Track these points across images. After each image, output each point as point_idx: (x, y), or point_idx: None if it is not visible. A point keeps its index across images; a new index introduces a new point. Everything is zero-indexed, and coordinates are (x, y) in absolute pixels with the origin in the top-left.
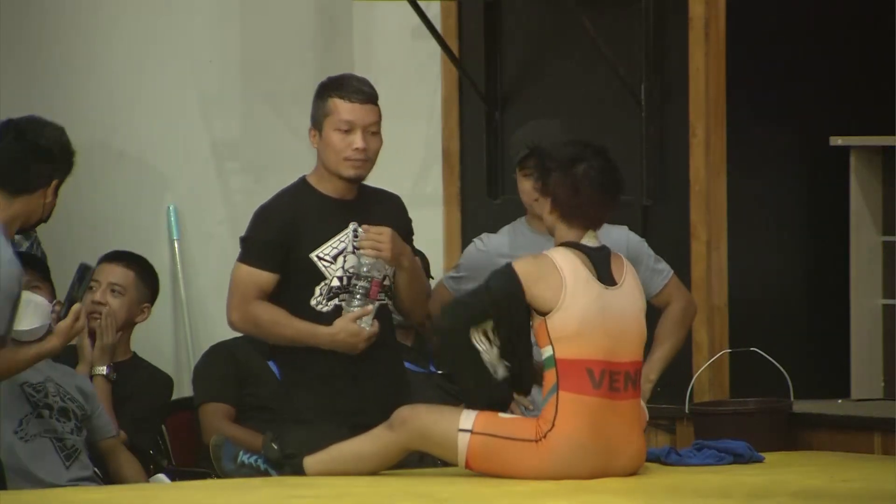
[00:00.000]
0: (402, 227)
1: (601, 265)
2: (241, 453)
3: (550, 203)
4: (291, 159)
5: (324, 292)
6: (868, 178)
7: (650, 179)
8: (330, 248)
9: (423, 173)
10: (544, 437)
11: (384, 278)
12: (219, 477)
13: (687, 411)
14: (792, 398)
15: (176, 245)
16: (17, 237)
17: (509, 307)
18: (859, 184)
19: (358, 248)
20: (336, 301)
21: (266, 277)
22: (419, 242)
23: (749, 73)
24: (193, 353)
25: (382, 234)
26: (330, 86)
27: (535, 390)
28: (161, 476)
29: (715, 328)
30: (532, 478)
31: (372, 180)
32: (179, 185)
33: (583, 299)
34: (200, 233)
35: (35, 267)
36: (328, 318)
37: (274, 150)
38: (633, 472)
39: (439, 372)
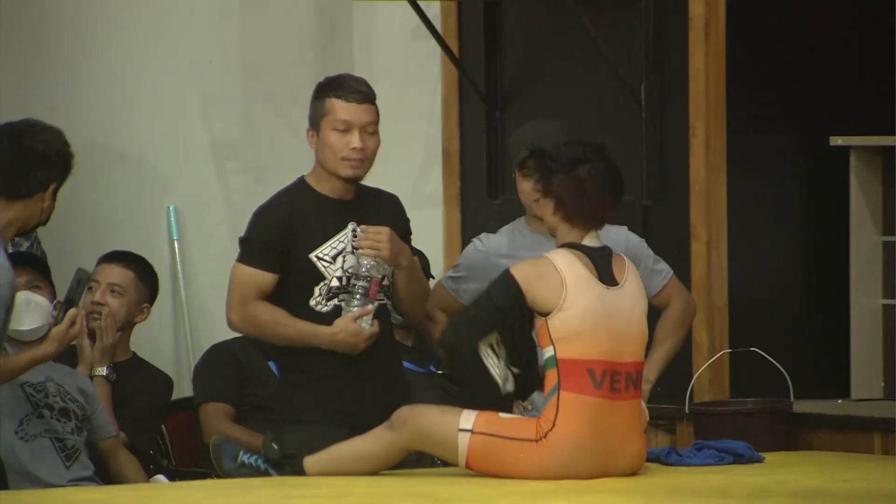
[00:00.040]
0: (401, 227)
1: (602, 265)
2: (241, 453)
3: (554, 204)
4: (291, 159)
5: (323, 292)
6: (868, 178)
7: (650, 179)
8: (329, 248)
9: (423, 173)
10: (545, 436)
11: (383, 278)
12: (219, 477)
13: (687, 411)
14: (792, 398)
15: (176, 245)
16: (16, 238)
17: (512, 315)
18: (859, 184)
19: (357, 248)
20: (335, 301)
21: (265, 278)
22: (419, 242)
23: (749, 73)
24: (193, 353)
25: (381, 234)
26: (327, 86)
27: (535, 392)
28: (160, 477)
29: (715, 328)
30: (532, 478)
31: (372, 180)
32: (179, 185)
33: (584, 299)
34: (200, 233)
35: (36, 267)
36: (327, 318)
37: (274, 150)
38: (633, 473)
39: (439, 372)
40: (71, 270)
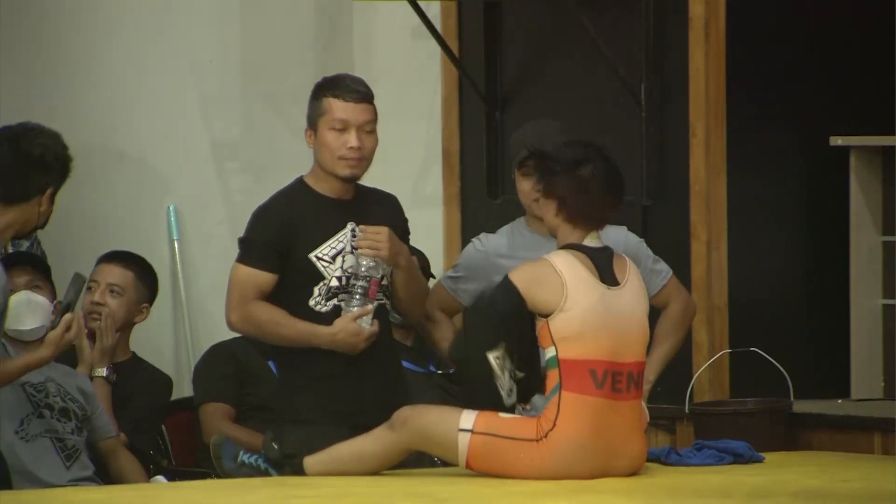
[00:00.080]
0: (399, 227)
1: (603, 265)
2: (241, 453)
3: (556, 206)
4: (291, 159)
5: (322, 292)
6: (868, 178)
7: (650, 179)
8: (328, 248)
9: (423, 173)
10: (545, 436)
11: (382, 278)
12: (219, 477)
13: (687, 411)
14: (792, 398)
15: (176, 245)
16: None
17: (514, 321)
18: (859, 184)
19: (356, 248)
20: (335, 301)
21: (265, 278)
22: (419, 242)
23: (749, 73)
24: (193, 353)
25: (380, 234)
26: (325, 85)
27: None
28: (159, 477)
29: (715, 328)
30: (532, 477)
31: (372, 180)
32: (179, 185)
33: (585, 300)
34: (200, 233)
35: (36, 267)
36: (327, 318)
37: (274, 150)
38: (633, 473)
39: (439, 372)
40: (71, 270)
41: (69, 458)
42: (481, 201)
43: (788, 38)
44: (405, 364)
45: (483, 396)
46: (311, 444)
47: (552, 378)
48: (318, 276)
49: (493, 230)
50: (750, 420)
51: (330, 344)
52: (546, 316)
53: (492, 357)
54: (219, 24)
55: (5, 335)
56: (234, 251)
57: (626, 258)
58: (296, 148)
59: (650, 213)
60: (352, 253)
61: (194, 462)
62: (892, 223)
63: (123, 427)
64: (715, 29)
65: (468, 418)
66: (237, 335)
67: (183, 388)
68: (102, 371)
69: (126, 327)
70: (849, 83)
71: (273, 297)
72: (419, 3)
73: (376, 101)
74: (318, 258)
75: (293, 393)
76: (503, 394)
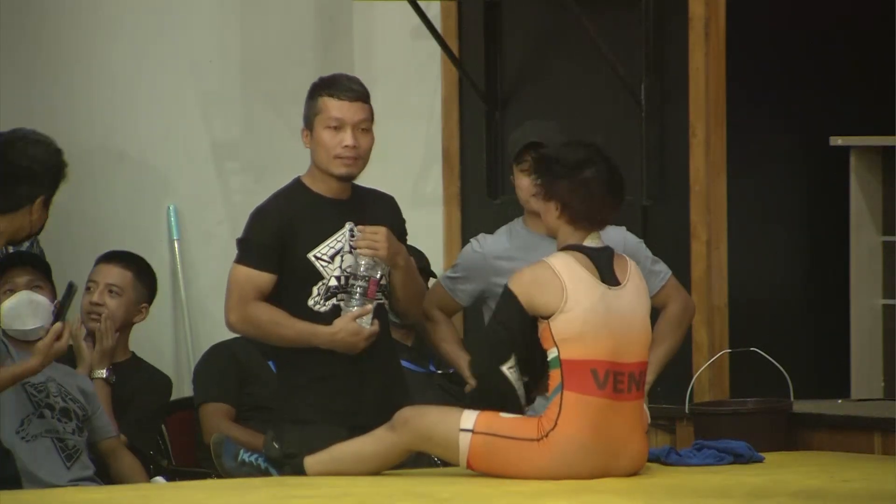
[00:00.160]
0: (397, 227)
1: (604, 266)
2: (241, 451)
3: (559, 208)
4: (291, 159)
5: (321, 292)
6: (868, 178)
7: (650, 179)
8: (327, 248)
9: (423, 173)
10: (546, 436)
11: (381, 277)
12: (219, 476)
13: (687, 411)
14: (792, 398)
15: (176, 245)
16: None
17: (518, 329)
18: (859, 184)
19: (354, 248)
20: (334, 301)
21: (264, 278)
22: (420, 242)
23: (749, 73)
24: (193, 353)
25: (378, 234)
26: (320, 85)
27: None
28: (159, 478)
29: (715, 328)
30: (533, 477)
31: (372, 180)
32: (179, 185)
33: (585, 301)
34: (200, 233)
35: (36, 266)
36: (326, 318)
37: (274, 150)
38: (634, 473)
39: (439, 372)
40: (71, 270)
41: (70, 459)
42: (481, 201)
43: (788, 38)
44: (405, 364)
45: (508, 405)
46: (310, 444)
47: (554, 378)
48: (317, 276)
49: (492, 230)
50: (750, 420)
51: (329, 344)
52: (547, 318)
53: (505, 369)
54: (219, 24)
55: (5, 335)
56: (234, 251)
57: (627, 258)
58: (296, 148)
59: (650, 213)
60: (350, 253)
61: (194, 462)
62: (892, 223)
63: (124, 428)
64: (715, 29)
65: (469, 418)
66: (237, 335)
67: (183, 388)
68: (102, 372)
69: (125, 327)
70: (849, 83)
71: (272, 297)
72: (419, 3)
73: (377, 102)
74: (317, 258)
75: (293, 393)
76: (521, 402)
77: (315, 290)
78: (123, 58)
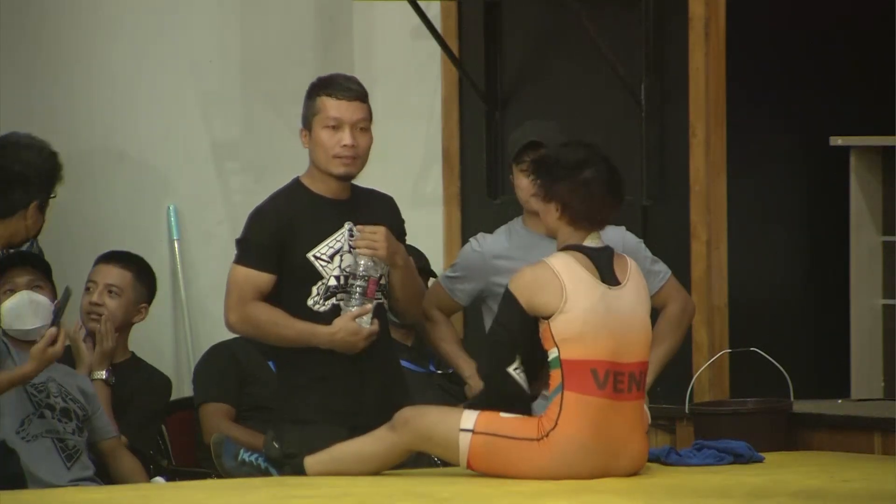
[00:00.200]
0: (396, 227)
1: (604, 265)
2: (241, 451)
3: (560, 209)
4: (291, 159)
5: (321, 292)
6: (868, 178)
7: (650, 179)
8: (326, 248)
9: (423, 173)
10: (546, 435)
11: (380, 277)
12: (219, 476)
13: (687, 411)
14: (792, 398)
15: (176, 245)
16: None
17: (523, 333)
18: (859, 184)
19: (353, 248)
20: (333, 300)
21: (263, 278)
22: (420, 242)
23: (749, 73)
24: (193, 353)
25: (377, 233)
26: (318, 85)
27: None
28: (158, 479)
29: (715, 328)
30: (533, 477)
31: (372, 180)
32: (179, 185)
33: (585, 301)
34: (200, 233)
35: (37, 266)
36: (325, 318)
37: (274, 150)
38: (634, 473)
39: (439, 372)
40: (71, 270)
41: (70, 459)
42: (481, 201)
43: (788, 38)
44: (405, 364)
45: (517, 406)
46: (310, 444)
47: (555, 378)
48: (317, 276)
49: (492, 230)
50: (750, 420)
51: (329, 343)
52: (547, 318)
53: (511, 370)
54: (219, 24)
55: (6, 335)
56: (234, 251)
57: (627, 258)
58: (296, 148)
59: (650, 213)
60: (349, 252)
61: (194, 462)
62: (892, 223)
63: (123, 428)
64: (715, 29)
65: (469, 418)
66: (237, 335)
67: (183, 388)
68: (101, 374)
69: (124, 328)
70: (849, 83)
71: (272, 297)
72: (419, 3)
73: (376, 102)
74: (316, 258)
75: (293, 393)
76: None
77: (314, 290)
78: (123, 58)
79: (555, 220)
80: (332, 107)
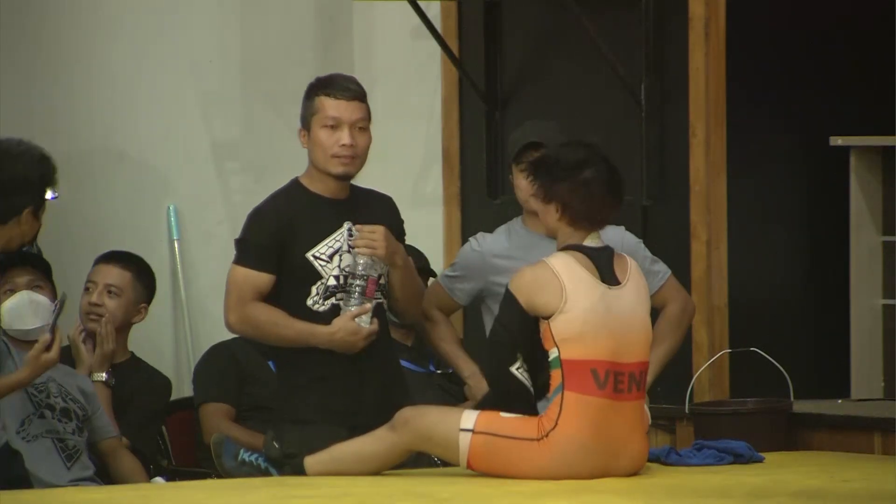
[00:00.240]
0: (395, 227)
1: (604, 265)
2: (241, 451)
3: (560, 210)
4: (291, 159)
5: (320, 292)
6: (868, 178)
7: (650, 179)
8: (325, 248)
9: (423, 173)
10: (546, 435)
11: (380, 277)
12: (219, 476)
13: (687, 411)
14: (792, 398)
15: (176, 245)
16: None
17: (522, 333)
18: (859, 184)
19: (353, 248)
20: (332, 300)
21: (263, 279)
22: (420, 242)
23: (749, 73)
24: (193, 353)
25: (376, 233)
26: (317, 85)
27: None
28: (158, 479)
29: (715, 328)
30: (533, 477)
31: (372, 180)
32: (179, 185)
33: (585, 301)
34: (200, 233)
35: (37, 266)
36: (325, 318)
37: (274, 150)
38: (634, 473)
39: (439, 372)
40: (71, 270)
41: (70, 459)
42: (481, 201)
43: (788, 39)
44: (405, 364)
45: (522, 404)
46: (310, 444)
47: (555, 378)
48: (316, 276)
49: (492, 230)
50: (750, 420)
51: (329, 343)
52: (547, 318)
53: (514, 370)
54: (219, 24)
55: (6, 335)
56: (234, 251)
57: (627, 257)
58: (296, 148)
59: (650, 213)
60: (349, 252)
61: (194, 462)
62: (892, 223)
63: (123, 429)
64: (715, 29)
65: (469, 418)
66: (237, 335)
67: (183, 388)
68: (102, 376)
69: (124, 328)
70: (849, 83)
71: (271, 297)
72: (419, 3)
73: (376, 102)
74: (316, 257)
75: (293, 393)
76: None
77: (314, 290)
78: (123, 58)
79: (555, 220)
80: (331, 106)
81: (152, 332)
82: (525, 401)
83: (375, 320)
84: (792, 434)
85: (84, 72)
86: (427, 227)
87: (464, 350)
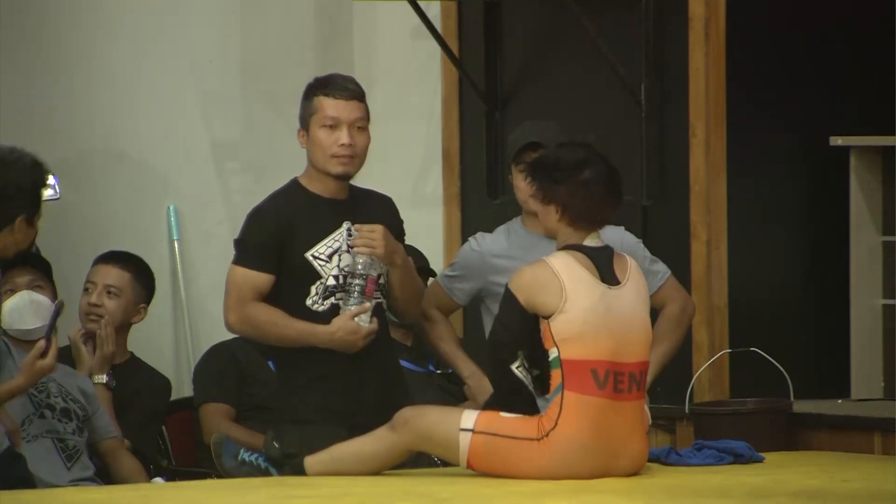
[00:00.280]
0: (394, 227)
1: (604, 265)
2: (241, 451)
3: (559, 210)
4: (291, 159)
5: (319, 291)
6: (868, 178)
7: (650, 179)
8: (325, 248)
9: (423, 173)
10: (546, 435)
11: (379, 276)
12: (219, 476)
13: (687, 411)
14: (792, 398)
15: (176, 245)
16: None
17: (522, 331)
18: (859, 184)
19: (352, 247)
20: (332, 300)
21: (262, 279)
22: (420, 242)
23: (749, 73)
24: (193, 353)
25: (375, 232)
26: (315, 85)
27: None
28: (158, 479)
29: (715, 328)
30: (533, 477)
31: (372, 180)
32: (179, 185)
33: (585, 300)
34: (200, 233)
35: (37, 266)
36: (324, 318)
37: (274, 150)
38: (634, 473)
39: (438, 371)
40: (70, 270)
41: (70, 459)
42: (481, 201)
43: (788, 38)
44: (404, 364)
45: (522, 402)
46: (310, 444)
47: (555, 378)
48: (315, 276)
49: (492, 230)
50: (750, 420)
51: (328, 343)
52: (547, 317)
53: (514, 368)
54: (219, 24)
55: (7, 335)
56: (233, 251)
57: (627, 257)
58: (295, 148)
59: (650, 213)
60: (348, 252)
61: (194, 462)
62: (892, 223)
63: (124, 430)
64: (715, 29)
65: (469, 418)
66: (237, 335)
67: (183, 388)
68: (102, 378)
69: (124, 328)
70: (849, 83)
71: (270, 297)
72: (419, 3)
73: (376, 102)
74: (315, 257)
75: (293, 393)
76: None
77: (313, 290)
78: (123, 58)
79: (554, 221)
80: (330, 106)
81: (152, 333)
82: (526, 399)
83: (375, 319)
84: (792, 434)
85: (84, 72)
86: (427, 227)
87: (463, 350)
